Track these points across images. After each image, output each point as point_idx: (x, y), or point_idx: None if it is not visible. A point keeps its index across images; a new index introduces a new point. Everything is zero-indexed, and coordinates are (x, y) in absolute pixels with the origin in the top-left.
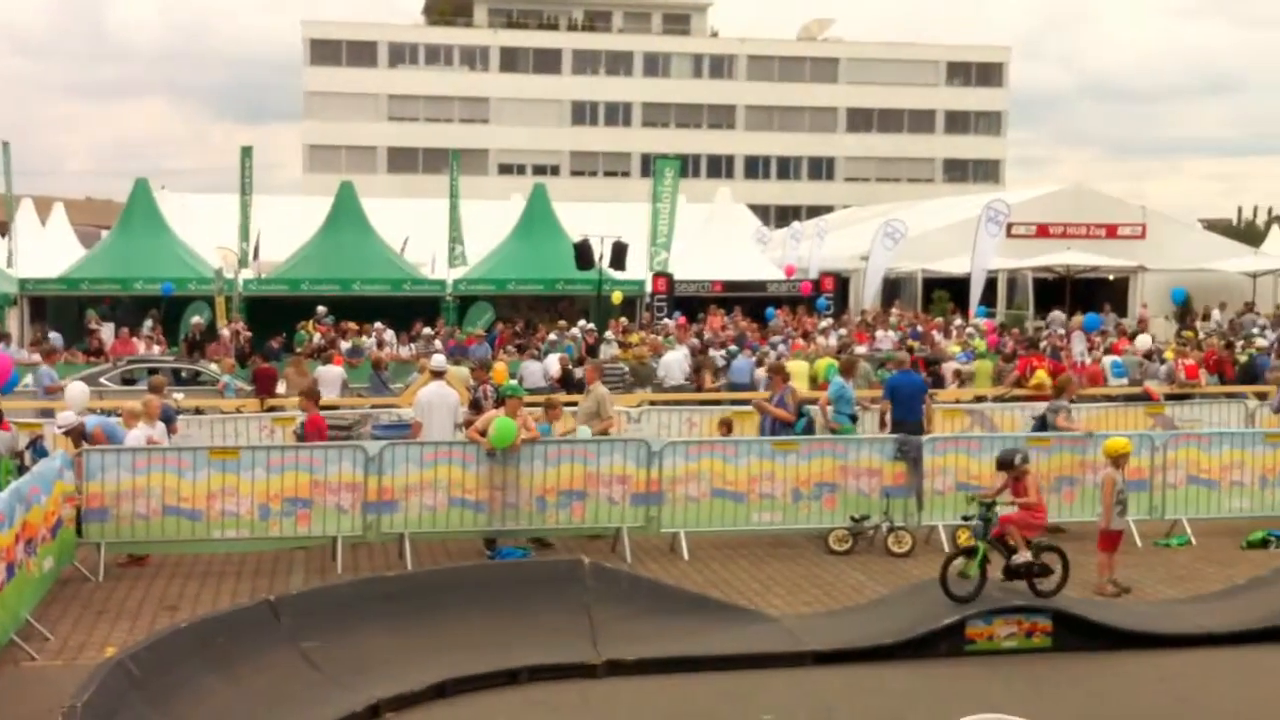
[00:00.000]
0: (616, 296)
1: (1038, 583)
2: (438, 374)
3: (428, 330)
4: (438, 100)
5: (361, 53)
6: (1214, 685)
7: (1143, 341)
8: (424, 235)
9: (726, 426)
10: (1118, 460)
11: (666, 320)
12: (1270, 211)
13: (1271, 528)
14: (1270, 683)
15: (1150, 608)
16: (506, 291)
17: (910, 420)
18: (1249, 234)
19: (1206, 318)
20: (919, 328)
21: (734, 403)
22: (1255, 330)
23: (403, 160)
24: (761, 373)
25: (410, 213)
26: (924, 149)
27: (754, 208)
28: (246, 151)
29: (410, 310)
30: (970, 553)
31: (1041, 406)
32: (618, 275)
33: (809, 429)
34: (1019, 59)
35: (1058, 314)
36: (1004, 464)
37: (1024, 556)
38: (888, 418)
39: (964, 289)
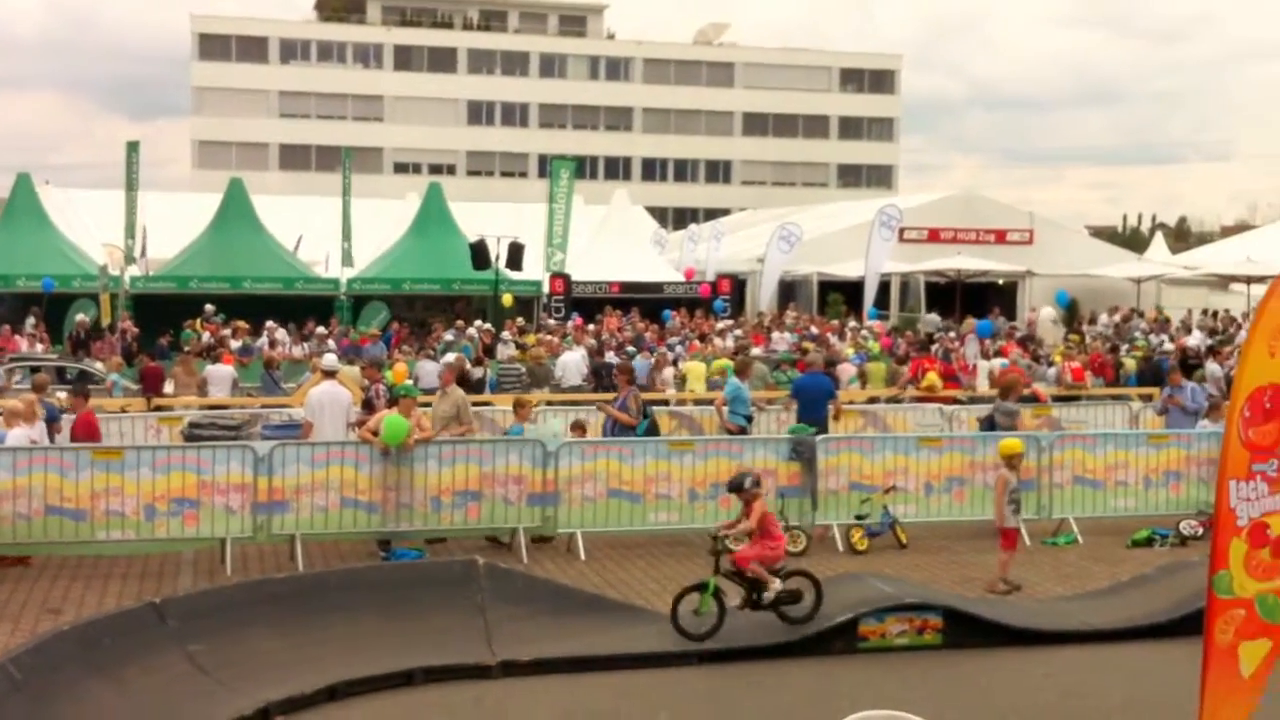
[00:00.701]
0: (507, 299)
1: (787, 610)
2: (329, 373)
3: (321, 329)
4: (330, 97)
5: (252, 48)
6: (1099, 680)
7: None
8: (318, 234)
9: (580, 429)
10: (1011, 460)
11: (553, 320)
12: (1154, 219)
13: (1156, 526)
14: (1153, 678)
15: (1038, 605)
16: (402, 291)
17: (814, 419)
18: (1133, 241)
19: (1093, 322)
20: (814, 330)
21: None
22: (1138, 334)
23: (295, 158)
24: (662, 374)
25: (303, 211)
26: (819, 154)
27: (651, 210)
28: (133, 146)
29: (303, 309)
30: (701, 588)
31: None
32: (514, 275)
33: (651, 431)
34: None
35: (933, 317)
36: (734, 488)
37: (774, 590)
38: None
39: (858, 292)
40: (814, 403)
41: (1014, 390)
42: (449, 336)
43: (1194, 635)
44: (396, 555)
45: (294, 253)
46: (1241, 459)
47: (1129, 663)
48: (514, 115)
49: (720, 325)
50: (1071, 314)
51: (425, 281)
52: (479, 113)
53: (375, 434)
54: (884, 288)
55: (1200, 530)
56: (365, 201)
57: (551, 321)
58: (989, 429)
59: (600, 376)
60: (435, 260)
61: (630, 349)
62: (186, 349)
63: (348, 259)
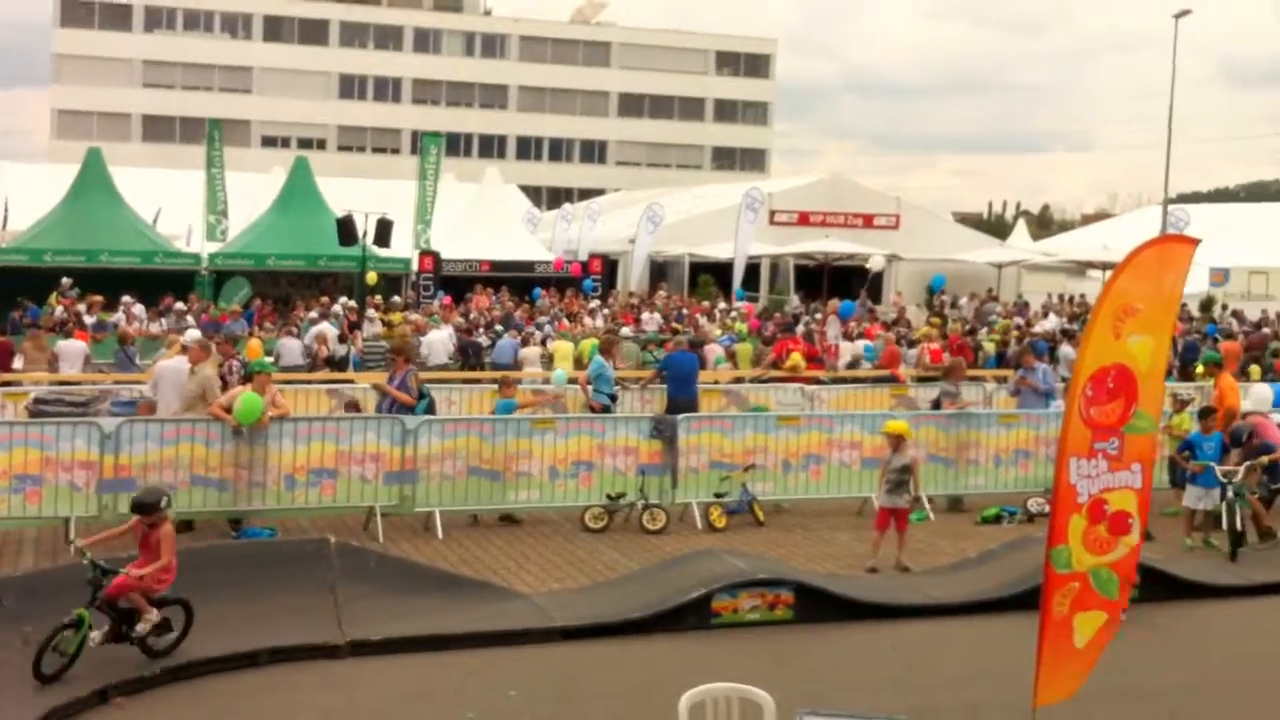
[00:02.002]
0: (372, 277)
1: (152, 642)
2: (187, 349)
3: (180, 305)
4: (197, 68)
5: (115, 15)
6: (943, 652)
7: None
8: (180, 207)
9: (354, 406)
10: (894, 442)
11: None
12: (1018, 206)
13: (1004, 504)
14: (994, 649)
15: (888, 580)
16: (265, 267)
17: (684, 397)
18: (997, 227)
19: (954, 305)
20: (684, 310)
21: (495, 381)
22: (996, 318)
23: (159, 129)
24: (526, 353)
25: (166, 183)
26: (693, 136)
27: (526, 189)
28: None
29: (162, 284)
30: (75, 625)
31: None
32: (382, 252)
33: (430, 410)
34: (786, 52)
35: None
36: (140, 508)
37: (149, 622)
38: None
39: (729, 273)
40: (683, 379)
41: (956, 372)
42: (313, 314)
43: (1035, 609)
44: (248, 534)
45: (153, 226)
46: (1083, 437)
47: (972, 635)
48: (386, 90)
49: (590, 305)
50: (932, 298)
51: (290, 257)
52: (351, 87)
53: (228, 410)
54: (754, 270)
55: (1047, 507)
56: (231, 175)
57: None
58: (936, 409)
59: (468, 355)
60: (301, 236)
61: (499, 327)
62: (39, 323)
63: (211, 233)
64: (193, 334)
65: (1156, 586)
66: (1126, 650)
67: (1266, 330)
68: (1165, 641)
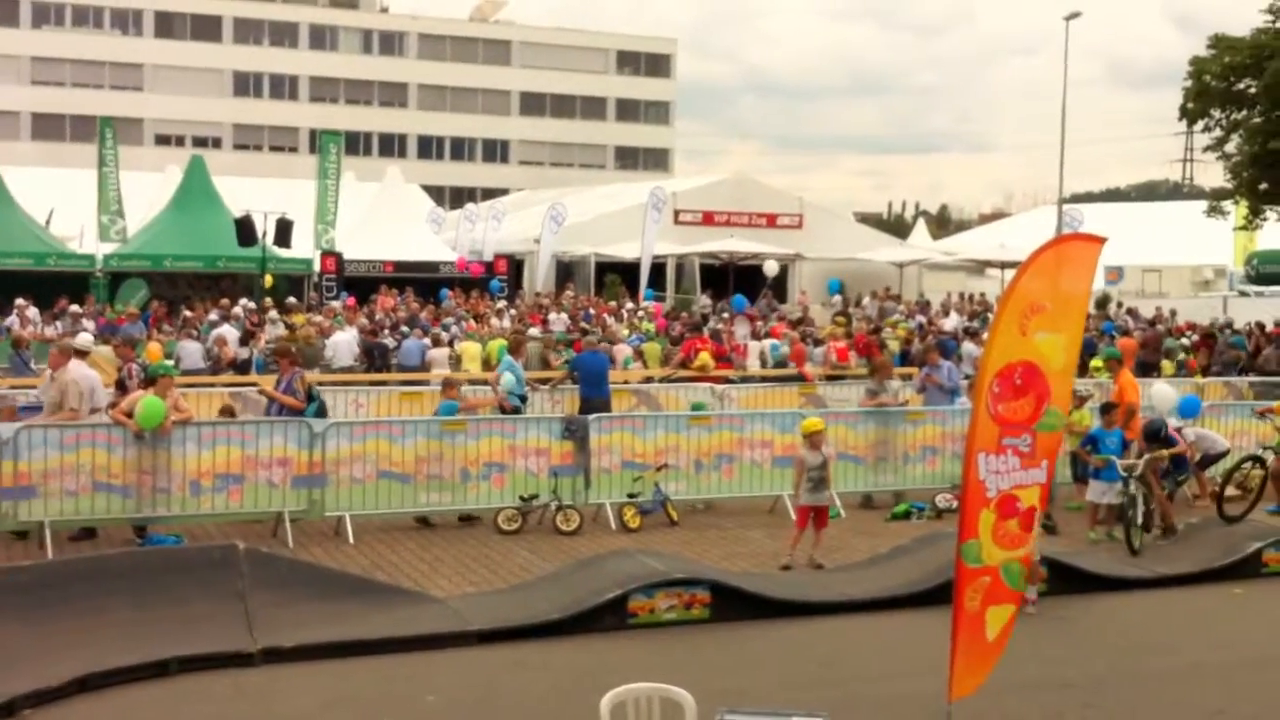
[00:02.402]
0: (268, 280)
1: None
2: (81, 353)
3: (75, 308)
4: (87, 65)
5: (2, 11)
6: (857, 648)
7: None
8: (73, 207)
9: (229, 412)
10: (812, 439)
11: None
12: (918, 206)
13: (914, 500)
14: (910, 643)
15: (802, 577)
16: (163, 268)
17: (597, 397)
18: (897, 227)
19: (858, 304)
20: (591, 311)
21: (404, 383)
22: (898, 316)
23: (49, 127)
24: (434, 354)
25: (58, 183)
26: (596, 135)
27: (428, 188)
28: None
29: (56, 286)
30: None
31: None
32: (283, 253)
33: (320, 413)
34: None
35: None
36: None
37: None
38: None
39: (635, 273)
40: (594, 379)
41: (883, 371)
42: (213, 316)
43: (947, 603)
44: (153, 541)
45: (45, 227)
46: (991, 433)
47: (887, 630)
48: (283, 88)
49: (497, 305)
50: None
51: (188, 258)
52: (246, 84)
53: (129, 415)
54: (660, 269)
55: (955, 503)
56: (125, 174)
57: (335, 304)
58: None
59: (373, 357)
60: (198, 236)
61: (404, 329)
62: None
63: (105, 234)
64: (85, 337)
65: (1063, 579)
66: (1036, 642)
67: (1161, 327)
68: (1074, 633)
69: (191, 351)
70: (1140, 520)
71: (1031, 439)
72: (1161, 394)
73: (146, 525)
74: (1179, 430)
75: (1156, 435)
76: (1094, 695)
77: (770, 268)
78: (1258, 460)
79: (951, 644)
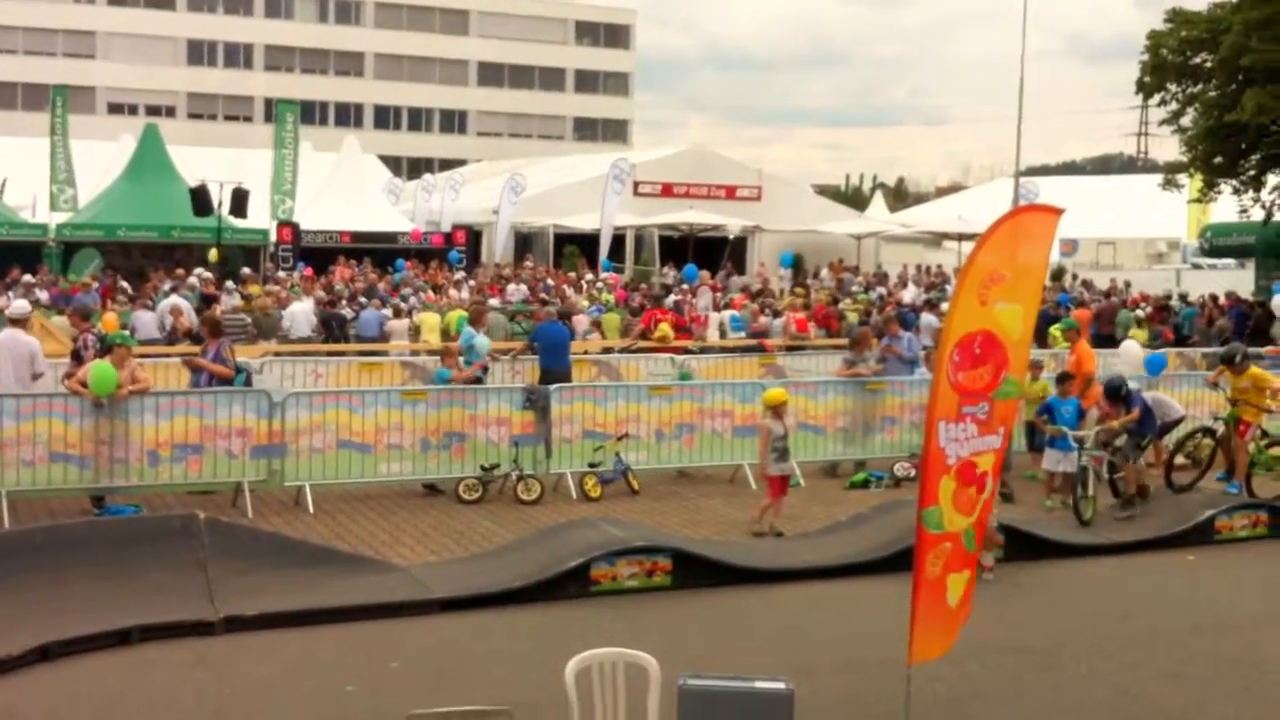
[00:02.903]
0: (214, 254)
1: None
2: (17, 321)
3: (29, 277)
4: (38, 32)
5: None
6: (818, 614)
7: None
8: (26, 177)
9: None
10: (776, 410)
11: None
12: (875, 179)
13: (872, 469)
14: (871, 610)
15: (762, 545)
16: (116, 238)
17: (557, 368)
18: (855, 199)
19: (816, 276)
20: (550, 282)
21: (362, 354)
22: (856, 288)
23: (0, 95)
24: (393, 325)
25: (9, 152)
26: (554, 106)
27: (385, 159)
28: None
29: (8, 256)
30: None
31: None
32: (238, 223)
33: (247, 383)
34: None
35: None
36: None
37: None
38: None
39: (594, 244)
40: (555, 349)
41: (863, 343)
42: (167, 286)
43: (906, 570)
44: (111, 511)
45: None
46: (951, 401)
47: (847, 597)
48: (238, 56)
49: (455, 276)
50: (797, 269)
51: (142, 228)
52: (200, 53)
53: (85, 385)
54: (619, 241)
55: (913, 472)
56: (78, 144)
57: (281, 274)
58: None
59: (330, 327)
60: (153, 206)
61: (362, 299)
62: None
63: (54, 203)
64: (20, 305)
65: (1020, 546)
66: (995, 608)
67: (1115, 299)
68: (1031, 599)
69: (146, 322)
70: (1091, 491)
71: (989, 406)
72: (1129, 351)
73: (104, 496)
74: (1124, 395)
75: (1117, 393)
76: (1051, 659)
77: (733, 227)
78: (1209, 432)
79: (912, 609)
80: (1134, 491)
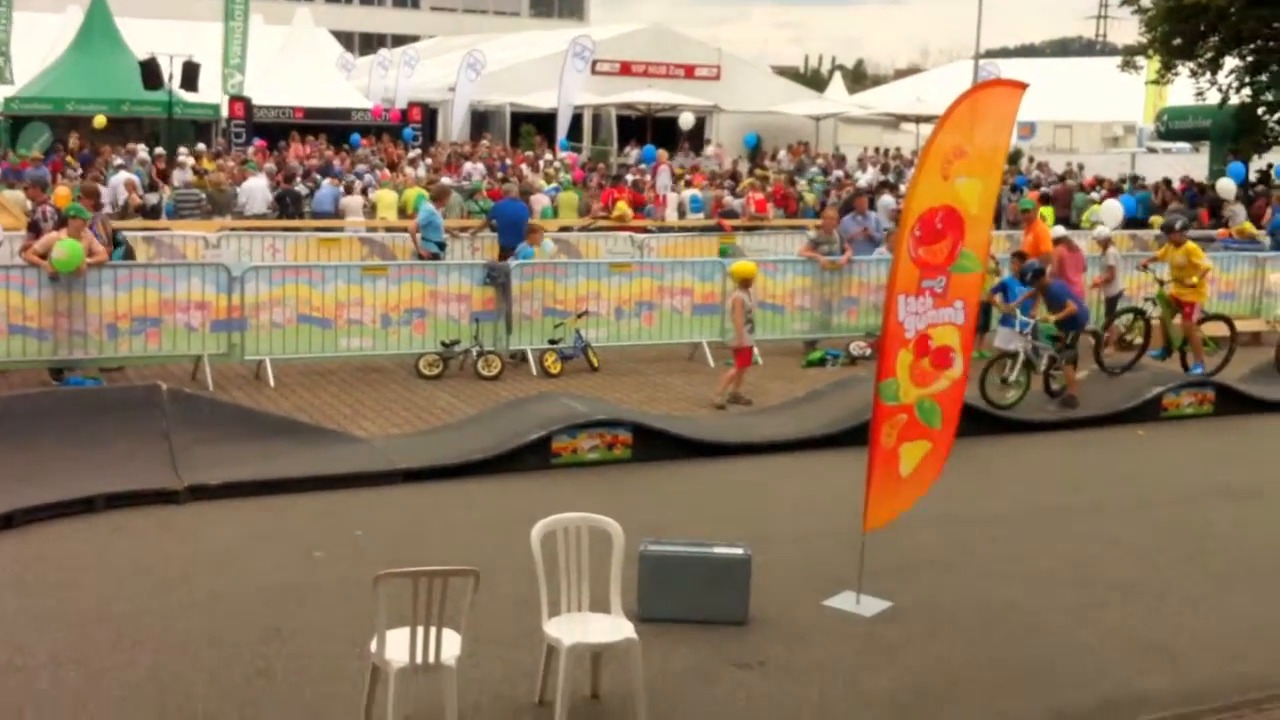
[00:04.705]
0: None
1: None
2: None
3: None
4: None
5: None
6: (775, 486)
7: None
8: None
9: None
10: (745, 283)
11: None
12: (834, 60)
13: (829, 348)
14: (827, 482)
15: (721, 420)
16: (65, 112)
17: (516, 244)
18: (814, 81)
19: (774, 157)
20: (508, 161)
21: (317, 230)
22: (815, 171)
23: None
24: (348, 201)
25: None
26: None
27: (337, 34)
28: None
29: None
30: None
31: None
32: (189, 97)
33: (127, 256)
34: None
35: None
36: None
37: None
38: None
39: (551, 123)
40: (512, 226)
41: (828, 224)
42: (118, 161)
43: (863, 444)
44: (71, 384)
45: None
46: (911, 275)
47: (804, 470)
48: None
49: (411, 154)
50: (756, 150)
51: (91, 102)
52: None
53: (43, 256)
54: (576, 120)
55: (869, 351)
56: (23, 14)
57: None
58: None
59: (285, 204)
60: (102, 79)
61: (317, 176)
62: None
63: (7, 77)
64: None
65: (973, 422)
66: (947, 480)
67: (1071, 182)
68: (983, 473)
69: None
70: (1017, 377)
71: (945, 280)
72: (1110, 209)
73: (64, 369)
74: (1106, 245)
75: (1024, 277)
76: (999, 529)
77: (686, 120)
78: (1139, 313)
79: (867, 478)
80: (1073, 393)
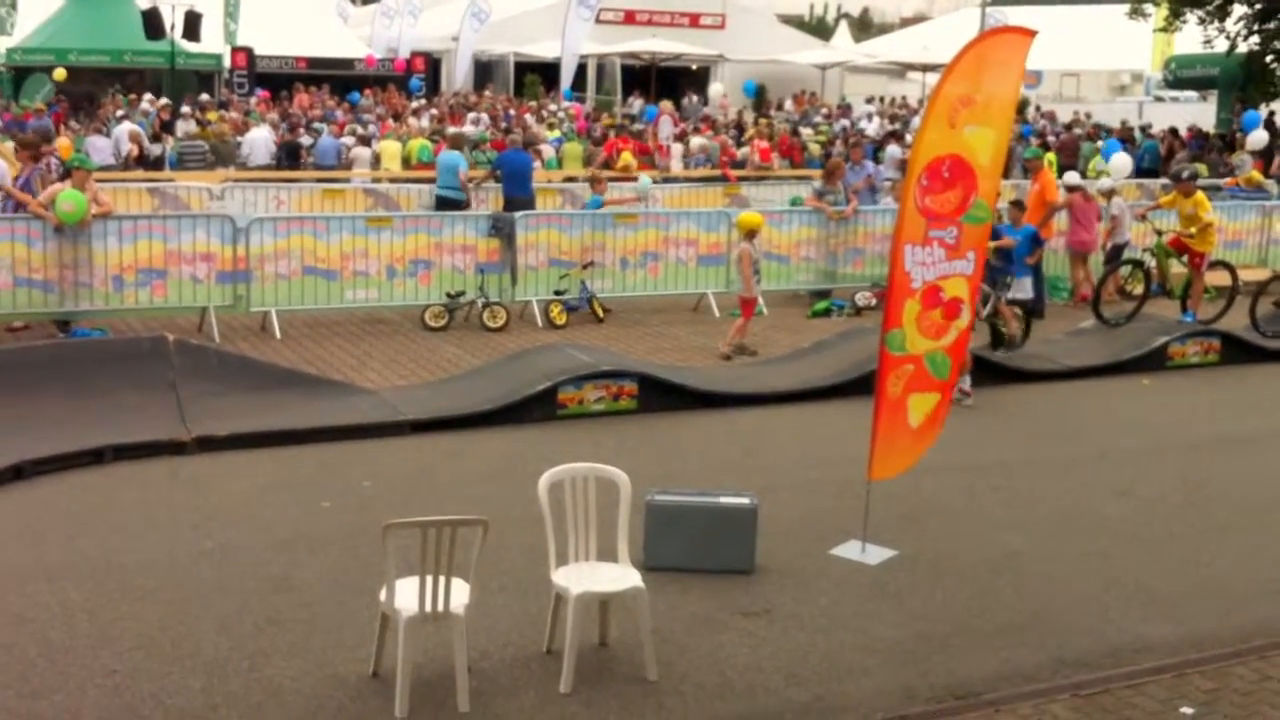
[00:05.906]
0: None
1: None
2: None
3: None
4: None
5: None
6: (781, 436)
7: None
8: None
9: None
10: (751, 234)
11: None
12: (840, 8)
13: (834, 298)
14: (833, 432)
15: (727, 370)
16: (68, 63)
17: (521, 195)
18: (820, 29)
19: (780, 107)
20: (512, 111)
21: (320, 181)
22: (820, 120)
23: None
24: (357, 152)
25: None
26: None
27: None
28: None
29: None
30: None
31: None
32: (191, 47)
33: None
34: None
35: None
36: None
37: None
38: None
39: (555, 73)
40: (518, 176)
41: (836, 174)
42: (121, 112)
43: (869, 394)
44: (77, 335)
45: None
46: (918, 225)
47: (809, 420)
48: None
49: (415, 105)
50: (760, 99)
51: (93, 53)
52: None
53: (48, 208)
54: (581, 70)
55: (874, 301)
56: None
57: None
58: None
59: (289, 155)
60: (104, 30)
61: (318, 125)
62: None
63: (4, 28)
64: None
65: (977, 371)
66: (953, 430)
67: (1078, 131)
68: (988, 423)
69: (101, 148)
70: (989, 313)
71: (958, 231)
72: (1120, 161)
73: (70, 320)
74: (1110, 195)
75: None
76: (1003, 478)
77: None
78: (1138, 264)
79: (873, 428)
80: (1012, 332)
